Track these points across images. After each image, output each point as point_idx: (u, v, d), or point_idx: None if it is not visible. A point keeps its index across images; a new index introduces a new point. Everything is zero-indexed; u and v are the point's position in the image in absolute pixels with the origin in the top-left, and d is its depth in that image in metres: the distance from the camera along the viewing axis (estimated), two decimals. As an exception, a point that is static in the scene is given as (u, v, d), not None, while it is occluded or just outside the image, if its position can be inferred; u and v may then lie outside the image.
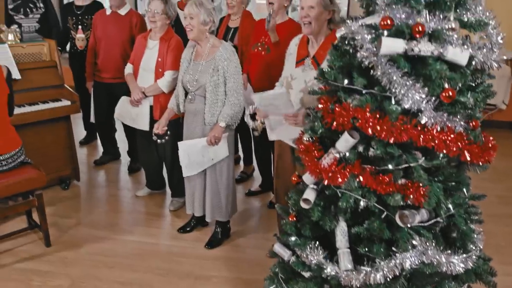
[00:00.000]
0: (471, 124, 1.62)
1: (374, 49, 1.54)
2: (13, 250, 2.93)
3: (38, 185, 2.80)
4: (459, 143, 1.56)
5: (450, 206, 1.69)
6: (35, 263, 2.82)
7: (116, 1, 3.80)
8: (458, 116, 1.57)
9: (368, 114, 1.57)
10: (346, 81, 1.68)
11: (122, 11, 3.85)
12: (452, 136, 1.55)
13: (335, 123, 1.67)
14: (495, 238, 3.08)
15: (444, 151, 1.55)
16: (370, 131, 1.57)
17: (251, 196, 3.77)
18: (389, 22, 1.52)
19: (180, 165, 2.95)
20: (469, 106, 1.59)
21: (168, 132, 2.97)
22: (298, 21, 3.23)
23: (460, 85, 1.55)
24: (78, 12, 4.28)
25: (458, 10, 1.58)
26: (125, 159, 4.37)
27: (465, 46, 1.53)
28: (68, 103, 3.54)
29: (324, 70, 1.77)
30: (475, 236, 1.76)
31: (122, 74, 3.63)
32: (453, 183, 1.74)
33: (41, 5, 4.40)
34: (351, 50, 1.69)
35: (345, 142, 1.66)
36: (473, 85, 1.64)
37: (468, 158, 1.59)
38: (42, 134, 3.52)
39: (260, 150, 3.74)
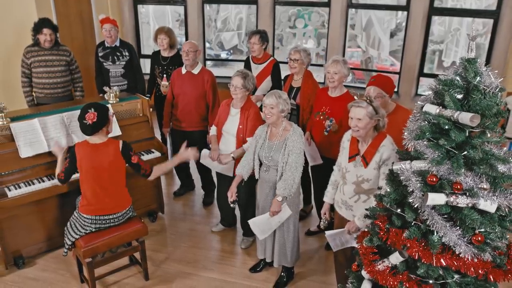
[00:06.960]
0: (497, 252, 2.09)
1: (423, 196, 2.04)
2: (119, 282, 3.66)
3: (142, 235, 3.48)
4: (485, 269, 2.05)
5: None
6: (138, 295, 3.55)
7: (190, 62, 4.37)
8: (487, 247, 2.05)
9: (415, 243, 2.09)
10: (399, 210, 2.20)
11: (195, 70, 4.42)
12: (479, 263, 2.04)
13: (389, 241, 2.21)
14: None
15: (473, 275, 2.05)
16: (416, 256, 2.09)
17: (310, 235, 4.33)
18: (434, 179, 2.01)
19: (252, 209, 3.58)
20: (496, 239, 2.06)
21: (238, 197, 3.55)
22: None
23: (488, 229, 2.03)
24: (164, 63, 4.92)
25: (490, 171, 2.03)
26: (198, 189, 5.06)
27: (494, 198, 2.00)
28: (158, 154, 4.20)
29: (382, 196, 2.28)
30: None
31: (196, 123, 4.52)
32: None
33: (126, 53, 5.03)
34: (403, 184, 2.19)
35: (396, 258, 2.19)
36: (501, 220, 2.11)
37: (492, 280, 2.08)
38: (137, 178, 4.18)
39: (319, 192, 4.23)
